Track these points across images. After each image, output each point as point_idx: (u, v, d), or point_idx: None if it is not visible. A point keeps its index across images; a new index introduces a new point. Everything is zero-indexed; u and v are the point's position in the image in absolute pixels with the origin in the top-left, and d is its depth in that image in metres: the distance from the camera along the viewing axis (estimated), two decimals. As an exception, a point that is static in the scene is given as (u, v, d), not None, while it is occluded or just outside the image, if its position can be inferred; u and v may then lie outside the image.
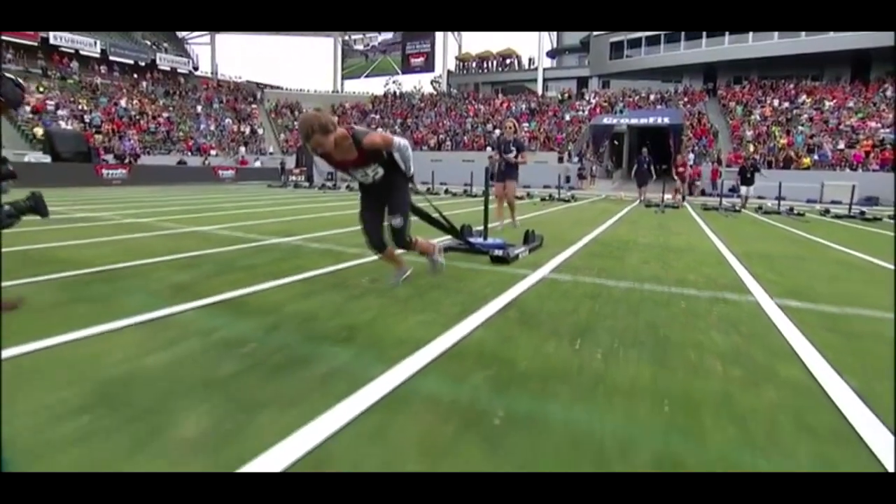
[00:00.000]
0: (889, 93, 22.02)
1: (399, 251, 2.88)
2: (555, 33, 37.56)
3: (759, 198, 13.22)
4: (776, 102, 24.47)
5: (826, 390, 1.64)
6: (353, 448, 1.22)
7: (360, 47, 39.69)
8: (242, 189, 15.89)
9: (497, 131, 27.07)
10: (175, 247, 4.18)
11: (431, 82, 39.38)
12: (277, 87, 36.64)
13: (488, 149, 24.29)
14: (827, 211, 11.42)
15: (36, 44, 26.95)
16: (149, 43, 33.05)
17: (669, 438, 1.31)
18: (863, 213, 10.76)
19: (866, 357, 1.98)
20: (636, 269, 3.71)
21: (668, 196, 12.37)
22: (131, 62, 31.02)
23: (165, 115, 26.46)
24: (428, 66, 37.32)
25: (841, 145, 19.14)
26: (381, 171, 2.67)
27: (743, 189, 12.00)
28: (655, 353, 1.94)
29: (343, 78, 39.13)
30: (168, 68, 32.37)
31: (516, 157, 5.92)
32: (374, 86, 39.72)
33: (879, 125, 19.66)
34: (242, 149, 26.16)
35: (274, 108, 32.53)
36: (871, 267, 4.25)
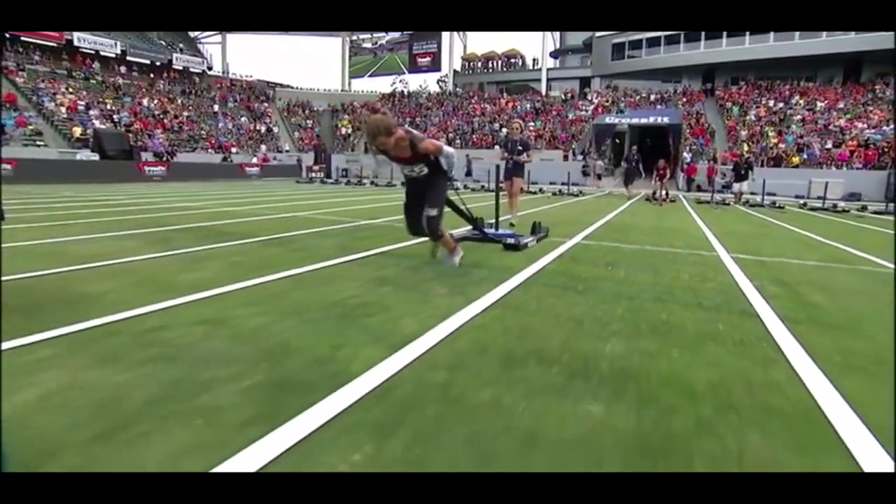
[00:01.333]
0: (885, 93, 23.64)
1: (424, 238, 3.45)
2: (558, 34, 39.03)
3: (752, 193, 14.78)
4: (771, 103, 26.08)
5: (741, 286, 3.20)
6: (518, 296, 2.76)
7: (368, 45, 41.14)
8: (275, 184, 17.39)
9: (504, 130, 28.60)
10: (297, 225, 5.71)
11: (438, 81, 40.92)
12: (287, 86, 38.08)
13: (496, 147, 25.83)
14: (804, 204, 13.06)
15: (60, 45, 28.38)
16: (164, 43, 34.44)
17: (660, 297, 2.86)
18: (835, 206, 12.38)
19: (769, 272, 3.54)
20: (639, 238, 5.28)
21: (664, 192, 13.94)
22: (148, 62, 32.45)
23: (186, 114, 27.92)
24: (435, 66, 38.84)
25: (829, 145, 20.74)
26: (426, 170, 3.28)
27: (736, 185, 13.03)
28: (653, 272, 3.50)
29: (352, 76, 40.59)
30: (182, 67, 33.80)
31: (521, 155, 6.29)
32: (379, 84, 41.26)
33: (865, 125, 21.28)
34: (263, 147, 27.68)
35: (286, 107, 33.99)
36: (812, 241, 5.83)
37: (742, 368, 1.81)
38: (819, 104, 24.45)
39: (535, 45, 51.11)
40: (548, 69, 37.22)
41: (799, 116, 23.94)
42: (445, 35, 38.27)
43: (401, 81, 40.33)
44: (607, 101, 31.29)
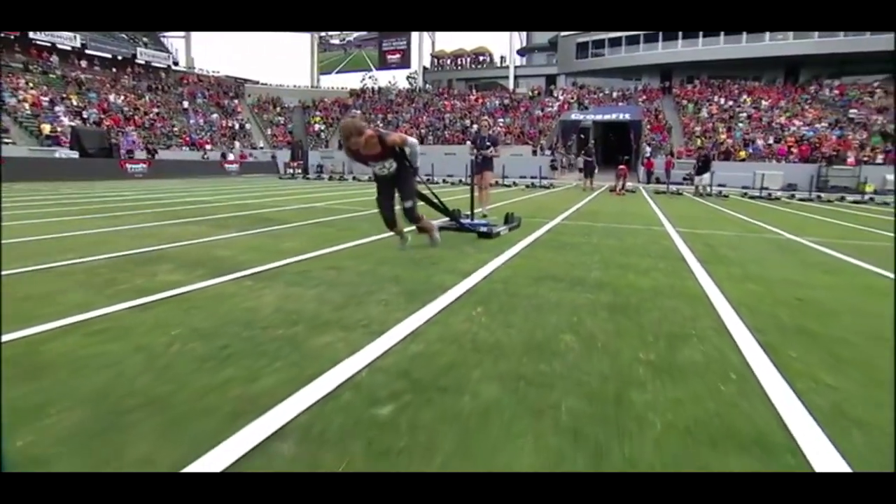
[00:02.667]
0: (819, 94, 26.36)
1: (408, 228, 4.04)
2: (524, 33, 40.70)
3: (720, 185, 16.63)
4: (722, 101, 28.52)
5: (678, 246, 4.58)
6: (527, 252, 4.02)
7: (336, 42, 41.64)
8: (260, 180, 18.08)
9: (475, 126, 29.97)
10: (324, 213, 6.78)
11: (407, 78, 41.87)
12: (256, 82, 38.15)
13: (468, 143, 27.21)
14: (745, 194, 15.02)
15: (13, 37, 27.66)
16: (125, 37, 33.92)
17: (622, 252, 4.19)
18: (770, 195, 14.37)
19: (700, 239, 4.97)
20: (606, 219, 6.67)
21: (630, 184, 15.63)
22: (109, 56, 31.94)
23: (156, 110, 27.88)
24: (404, 63, 39.80)
25: (770, 140, 23.15)
26: (394, 165, 3.65)
27: (696, 178, 14.27)
28: (617, 239, 4.86)
29: (321, 72, 41.00)
30: (144, 62, 33.40)
31: (488, 150, 6.68)
32: (349, 81, 41.80)
33: (802, 123, 23.85)
34: (237, 144, 28.00)
35: (257, 104, 34.21)
36: (739, 220, 7.39)
37: (670, 282, 3.14)
38: (763, 103, 27.00)
39: (502, 43, 53.02)
40: (515, 66, 38.88)
41: (746, 114, 26.39)
42: (415, 33, 39.27)
43: (370, 78, 41.10)
44: (572, 98, 33.15)
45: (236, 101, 33.38)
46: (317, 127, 33.17)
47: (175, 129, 27.15)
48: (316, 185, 15.52)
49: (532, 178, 18.27)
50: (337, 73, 41.80)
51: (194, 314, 2.26)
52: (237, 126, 30.59)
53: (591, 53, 35.47)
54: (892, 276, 3.51)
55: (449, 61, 40.52)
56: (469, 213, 5.44)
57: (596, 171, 15.50)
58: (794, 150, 21.90)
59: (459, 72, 40.75)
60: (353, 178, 19.70)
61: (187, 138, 26.69)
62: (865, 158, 20.18)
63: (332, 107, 35.71)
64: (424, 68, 40.11)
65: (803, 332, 2.21)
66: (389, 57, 39.72)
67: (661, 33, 31.89)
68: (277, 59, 74.82)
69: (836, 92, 26.52)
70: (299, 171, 24.15)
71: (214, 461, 1.16)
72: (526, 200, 10.32)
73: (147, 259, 3.49)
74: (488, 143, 6.73)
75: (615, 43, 34.31)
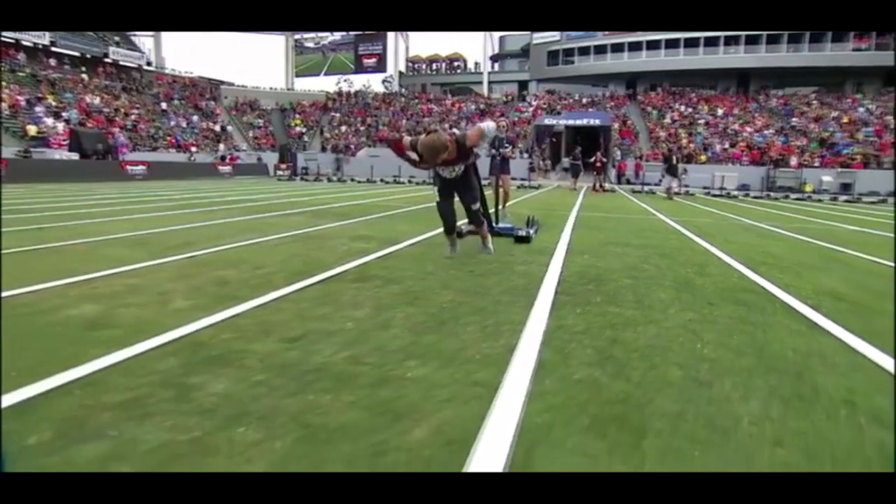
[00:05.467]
0: (766, 103, 29.76)
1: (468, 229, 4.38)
2: (497, 40, 42.94)
3: (686, 186, 19.13)
4: (682, 108, 31.59)
5: (675, 227, 6.46)
6: (577, 231, 5.77)
7: (311, 45, 42.55)
8: (260, 181, 19.11)
9: (455, 130, 31.89)
10: (376, 209, 8.30)
11: (383, 82, 43.26)
12: (231, 84, 38.56)
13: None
14: (708, 193, 17.53)
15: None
16: (95, 35, 33.71)
17: (635, 230, 6.01)
18: (728, 194, 16.91)
19: (687, 224, 6.88)
20: (610, 211, 8.56)
21: (607, 184, 17.80)
22: (79, 55, 31.75)
23: (136, 111, 28.15)
24: (381, 67, 41.22)
25: (726, 145, 26.15)
26: (462, 168, 3.59)
27: (665, 180, 16.12)
28: (630, 224, 6.70)
29: (297, 75, 41.80)
30: (113, 61, 33.27)
31: (508, 149, 6.81)
32: (324, 84, 42.77)
33: (752, 130, 27.03)
34: (222, 146, 28.63)
35: (234, 106, 34.76)
36: (709, 211, 9.47)
37: (683, 244, 4.96)
38: (719, 110, 30.20)
39: (476, 49, 55.18)
40: (489, 72, 41.08)
41: (704, 121, 29.47)
42: (391, 36, 40.79)
43: (345, 81, 42.21)
44: (545, 104, 35.56)
45: (214, 103, 33.82)
46: (297, 129, 34.08)
47: (160, 131, 27.53)
48: (322, 187, 16.83)
49: (522, 179, 20.21)
50: (317, 76, 42.46)
51: (427, 257, 3.85)
52: (219, 128, 31.14)
53: (561, 61, 38.07)
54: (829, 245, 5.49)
55: (424, 66, 42.26)
56: (494, 214, 5.50)
57: (582, 172, 17.58)
58: (746, 155, 24.91)
59: (434, 76, 42.60)
60: (352, 180, 21.03)
61: (173, 140, 27.16)
62: (805, 162, 23.36)
63: (311, 110, 36.66)
64: (400, 72, 41.68)
65: (766, 263, 4.04)
66: (366, 61, 41.05)
67: (626, 43, 34.82)
68: (251, 61, 74.56)
69: (781, 101, 30.03)
70: (288, 172, 25.18)
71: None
72: (529, 199, 12.13)
73: (321, 235, 4.99)
74: (507, 144, 6.90)
75: (584, 52, 37.04)
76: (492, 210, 5.06)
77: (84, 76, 29.99)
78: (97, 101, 27.30)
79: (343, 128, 34.78)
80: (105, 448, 1.22)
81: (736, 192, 18.65)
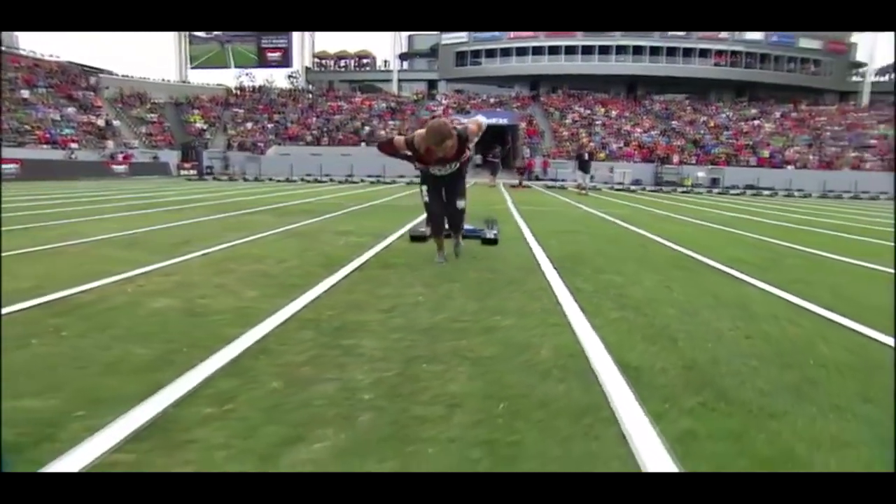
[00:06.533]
0: (651, 107, 33.68)
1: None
2: (406, 39, 43.53)
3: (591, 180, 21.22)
4: (581, 110, 34.66)
5: (602, 216, 7.61)
6: (525, 225, 6.63)
7: (203, 34, 39.82)
8: (169, 182, 17.84)
9: (367, 128, 31.96)
10: (334, 207, 8.57)
11: (288, 77, 41.87)
12: (111, 73, 34.92)
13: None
14: (612, 187, 19.85)
15: None
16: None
17: (573, 219, 7.04)
18: (627, 188, 19.27)
19: (600, 209, 8.10)
20: (540, 205, 9.62)
21: (514, 181, 19.30)
22: (-90, 34, 26.87)
23: (-7, 101, 24.55)
24: (286, 62, 39.83)
25: (621, 144, 29.31)
26: (457, 165, 3.50)
27: (578, 175, 16.76)
28: (564, 215, 7.73)
29: (194, 67, 38.91)
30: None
31: (497, 150, 8.15)
32: (221, 77, 40.33)
33: (641, 131, 30.58)
34: (110, 143, 25.94)
35: (119, 98, 31.60)
36: (619, 203, 10.97)
37: (615, 231, 6.00)
38: (613, 112, 33.64)
39: (385, 47, 55.21)
40: (398, 70, 41.54)
41: (600, 121, 32.66)
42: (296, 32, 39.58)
43: (247, 75, 40.22)
44: (455, 103, 36.91)
45: (93, 94, 30.47)
46: (197, 126, 31.89)
47: (26, 124, 24.29)
48: (245, 187, 16.29)
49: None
50: (219, 69, 39.75)
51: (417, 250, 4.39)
52: (103, 122, 28.16)
53: (469, 62, 39.72)
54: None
55: (332, 62, 41.60)
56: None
57: (500, 170, 18.82)
58: (638, 153, 28.18)
59: (342, 73, 42.14)
60: (269, 180, 20.41)
61: (44, 134, 24.12)
62: (684, 160, 27.07)
63: (211, 105, 34.48)
64: (307, 68, 40.62)
65: (688, 242, 5.14)
66: (270, 55, 39.41)
67: (531, 47, 37.34)
68: (132, 49, 66.95)
69: (662, 106, 34.25)
70: (193, 171, 23.67)
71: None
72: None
73: (307, 232, 5.28)
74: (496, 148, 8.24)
75: (491, 53, 39.01)
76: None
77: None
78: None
79: (249, 125, 33.20)
80: (336, 387, 1.56)
81: (633, 187, 21.27)
